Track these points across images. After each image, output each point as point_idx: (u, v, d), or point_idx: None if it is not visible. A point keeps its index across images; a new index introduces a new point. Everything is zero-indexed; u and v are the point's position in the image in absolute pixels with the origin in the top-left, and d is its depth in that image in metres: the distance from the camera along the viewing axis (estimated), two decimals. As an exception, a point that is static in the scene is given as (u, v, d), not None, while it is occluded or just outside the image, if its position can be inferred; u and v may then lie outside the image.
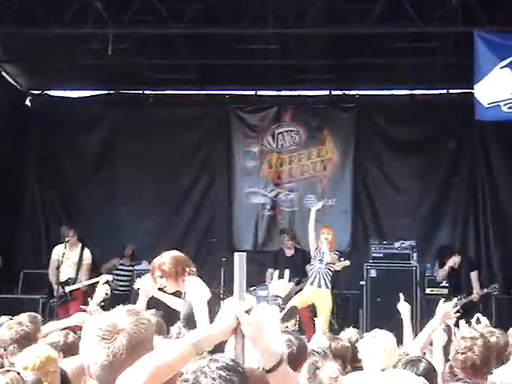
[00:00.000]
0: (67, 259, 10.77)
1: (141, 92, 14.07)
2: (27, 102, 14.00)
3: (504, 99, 9.95)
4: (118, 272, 12.16)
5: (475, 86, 9.99)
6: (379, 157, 13.65)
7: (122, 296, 10.73)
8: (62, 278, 10.63)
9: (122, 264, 12.47)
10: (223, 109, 13.93)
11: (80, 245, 11.12)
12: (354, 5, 10.18)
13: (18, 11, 10.35)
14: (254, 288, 10.95)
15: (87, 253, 11.10)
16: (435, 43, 11.64)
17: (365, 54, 11.88)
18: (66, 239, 10.85)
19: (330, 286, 10.14)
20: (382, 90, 13.95)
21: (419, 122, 13.43)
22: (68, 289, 10.62)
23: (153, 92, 14.03)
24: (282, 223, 13.63)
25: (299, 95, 14.13)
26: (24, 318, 5.02)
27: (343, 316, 11.88)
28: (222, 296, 11.32)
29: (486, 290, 10.52)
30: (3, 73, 13.02)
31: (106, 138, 13.88)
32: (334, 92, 13.92)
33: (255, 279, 11.11)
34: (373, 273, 11.52)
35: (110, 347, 2.29)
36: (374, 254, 11.84)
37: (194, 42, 11.64)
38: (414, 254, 11.95)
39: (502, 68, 9.92)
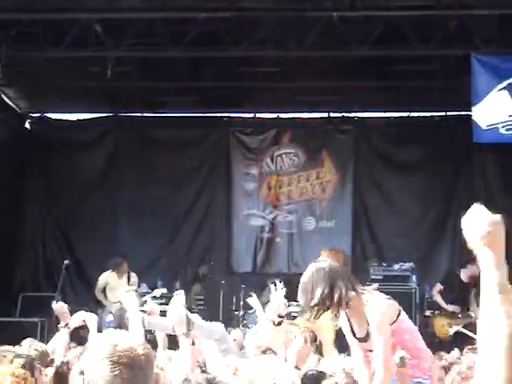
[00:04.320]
0: (115, 288, 11.14)
1: (140, 114, 14.10)
2: (27, 125, 14.01)
3: (502, 121, 9.99)
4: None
5: (473, 108, 10.04)
6: (378, 178, 13.68)
7: None
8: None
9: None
10: (222, 131, 13.96)
11: (127, 272, 11.50)
12: (352, 28, 10.24)
13: (19, 34, 10.41)
14: (253, 311, 10.89)
15: (134, 278, 11.42)
16: (433, 66, 11.71)
17: (363, 77, 11.95)
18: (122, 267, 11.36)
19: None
20: (380, 111, 14.00)
21: (418, 144, 13.48)
22: None
23: (153, 114, 14.07)
24: (280, 245, 13.64)
25: (298, 117, 14.18)
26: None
27: (341, 339, 11.79)
28: (220, 318, 11.30)
29: None
30: (3, 95, 13.05)
31: (106, 160, 13.89)
32: (332, 114, 13.96)
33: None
34: (372, 295, 11.46)
35: (131, 372, 2.21)
36: (373, 276, 11.77)
37: (194, 64, 11.71)
38: (414, 276, 11.90)
39: (499, 90, 9.97)
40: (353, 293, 4.27)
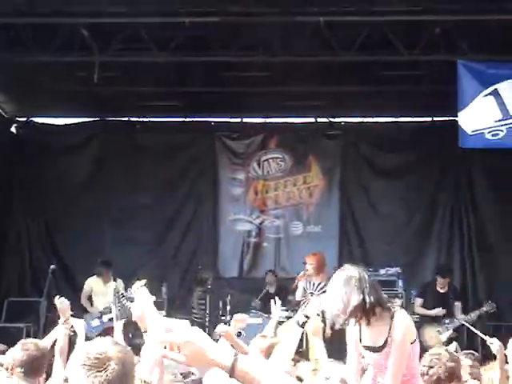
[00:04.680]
0: (101, 293, 11.14)
1: (127, 119, 14.07)
2: (13, 129, 13.96)
3: (487, 127, 10.04)
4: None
5: (459, 113, 10.09)
6: (365, 183, 13.70)
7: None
8: (99, 309, 10.90)
9: None
10: (209, 136, 13.95)
11: (112, 278, 11.38)
12: (339, 33, 10.27)
13: (5, 39, 10.38)
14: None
15: (119, 284, 11.25)
16: (420, 71, 11.76)
17: (350, 82, 11.98)
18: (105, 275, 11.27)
19: (320, 314, 9.97)
20: (367, 117, 14.03)
21: (405, 150, 13.52)
22: (106, 317, 10.70)
23: (139, 119, 14.04)
24: (267, 250, 13.64)
25: (285, 122, 14.18)
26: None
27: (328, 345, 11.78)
28: (207, 323, 11.29)
29: (484, 309, 10.53)
30: (-11, 100, 13.02)
31: (93, 164, 13.85)
32: (319, 119, 13.99)
33: (240, 306, 11.04)
34: (358, 300, 11.43)
35: (103, 375, 2.23)
36: (359, 281, 11.78)
37: (181, 69, 11.71)
38: (400, 281, 11.93)
39: (485, 96, 10.02)
40: (378, 303, 4.31)
